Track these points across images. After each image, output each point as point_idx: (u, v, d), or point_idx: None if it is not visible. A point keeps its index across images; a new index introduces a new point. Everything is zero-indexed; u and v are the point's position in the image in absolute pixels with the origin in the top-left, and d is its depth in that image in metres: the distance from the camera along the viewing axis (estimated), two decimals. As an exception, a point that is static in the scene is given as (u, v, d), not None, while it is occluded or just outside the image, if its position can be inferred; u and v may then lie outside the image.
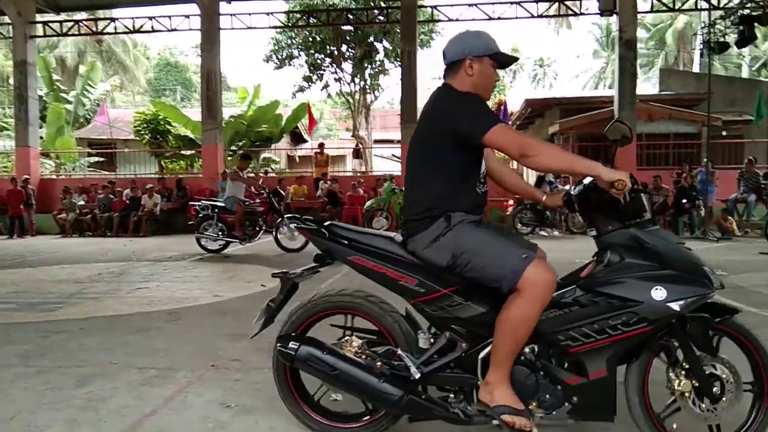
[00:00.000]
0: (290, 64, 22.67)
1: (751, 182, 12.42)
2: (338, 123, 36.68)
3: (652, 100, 16.22)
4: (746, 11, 13.28)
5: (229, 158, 17.43)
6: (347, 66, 22.74)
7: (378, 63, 22.59)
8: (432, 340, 2.33)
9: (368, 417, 2.47)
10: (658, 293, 2.06)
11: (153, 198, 13.88)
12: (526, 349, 2.20)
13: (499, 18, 15.20)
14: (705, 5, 14.79)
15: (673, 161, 14.79)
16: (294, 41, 22.01)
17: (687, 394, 2.16)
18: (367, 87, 23.45)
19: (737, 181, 12.64)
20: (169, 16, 16.12)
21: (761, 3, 13.09)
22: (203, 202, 9.76)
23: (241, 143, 18.72)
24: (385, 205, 12.45)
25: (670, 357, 2.21)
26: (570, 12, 15.80)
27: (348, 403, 2.58)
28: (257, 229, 9.48)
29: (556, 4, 15.24)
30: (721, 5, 14.78)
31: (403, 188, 2.46)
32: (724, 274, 6.68)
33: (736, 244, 10.50)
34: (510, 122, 20.48)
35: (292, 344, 2.34)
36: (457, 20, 15.57)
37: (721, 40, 13.92)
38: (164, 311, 5.08)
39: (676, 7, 15.88)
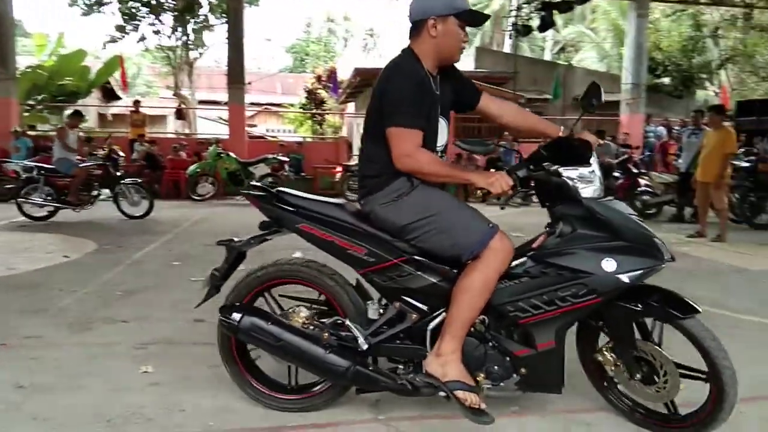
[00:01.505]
0: (100, 11, 20.32)
1: (547, 154, 14.04)
2: (158, 80, 33.96)
3: (468, 76, 17.40)
4: (547, -1, 14.77)
5: (26, 114, 15.31)
6: (167, 18, 21.02)
7: (202, 17, 21.20)
8: (381, 311, 2.29)
9: (317, 388, 2.41)
10: (609, 264, 2.04)
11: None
12: (476, 321, 2.17)
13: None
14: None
15: (485, 134, 16.12)
16: (104, -15, 19.71)
17: (622, 371, 2.23)
18: (189, 42, 21.94)
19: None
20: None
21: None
22: (26, 163, 8.52)
23: (40, 97, 16.51)
24: (211, 170, 11.92)
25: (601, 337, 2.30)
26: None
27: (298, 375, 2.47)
28: (93, 194, 8.51)
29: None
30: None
31: (361, 145, 2.36)
32: (521, 236, 7.52)
33: (533, 209, 11.82)
34: (340, 90, 20.68)
35: (235, 314, 2.24)
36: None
37: (526, 23, 15.38)
38: (-62, 289, 4.38)
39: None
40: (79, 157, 8.53)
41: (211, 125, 23.01)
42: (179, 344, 3.21)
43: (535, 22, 15.20)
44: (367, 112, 2.28)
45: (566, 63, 25.06)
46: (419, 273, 2.17)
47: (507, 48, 30.12)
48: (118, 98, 23.62)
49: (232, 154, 12.03)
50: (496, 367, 2.18)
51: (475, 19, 2.22)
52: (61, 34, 18.93)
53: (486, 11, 28.74)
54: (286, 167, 12.74)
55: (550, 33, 31.29)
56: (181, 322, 3.58)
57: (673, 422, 2.24)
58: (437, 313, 2.20)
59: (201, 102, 25.29)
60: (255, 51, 63.12)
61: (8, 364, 2.86)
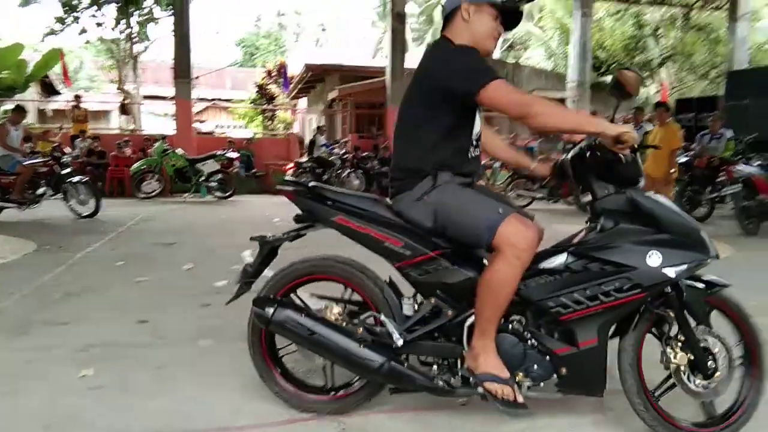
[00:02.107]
0: (38, 2, 19.47)
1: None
2: (102, 74, 32.75)
3: (420, 72, 17.53)
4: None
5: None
6: (110, 10, 20.28)
7: (146, 9, 20.57)
8: (416, 307, 2.24)
9: (349, 389, 2.35)
10: (654, 258, 2.00)
11: None
12: (515, 318, 2.13)
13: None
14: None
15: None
16: (41, -25, 18.88)
17: (682, 369, 2.10)
18: (133, 35, 21.25)
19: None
20: None
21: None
22: None
23: (-28, 92, 15.65)
24: (157, 167, 11.61)
25: (665, 329, 2.15)
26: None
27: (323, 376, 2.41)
28: (38, 192, 8.11)
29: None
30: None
31: (393, 146, 2.28)
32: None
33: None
34: (291, 85, 20.47)
35: (268, 307, 2.22)
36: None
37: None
38: None
39: (441, -13, 17.26)
40: (23, 154, 8.17)
41: (157, 121, 22.40)
42: (122, 346, 3.11)
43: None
44: (403, 101, 2.22)
45: (514, 61, 25.57)
46: (455, 267, 2.13)
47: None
48: (58, 93, 22.68)
49: (179, 150, 11.75)
50: (535, 366, 2.11)
51: (510, 14, 2.18)
52: (-6, 25, 17.98)
53: (436, 9, 28.88)
54: (236, 164, 12.54)
55: (499, 31, 31.85)
56: (125, 323, 3.48)
57: (711, 425, 2.18)
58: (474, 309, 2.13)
59: (146, 97, 24.53)
60: (204, 44, 61.63)
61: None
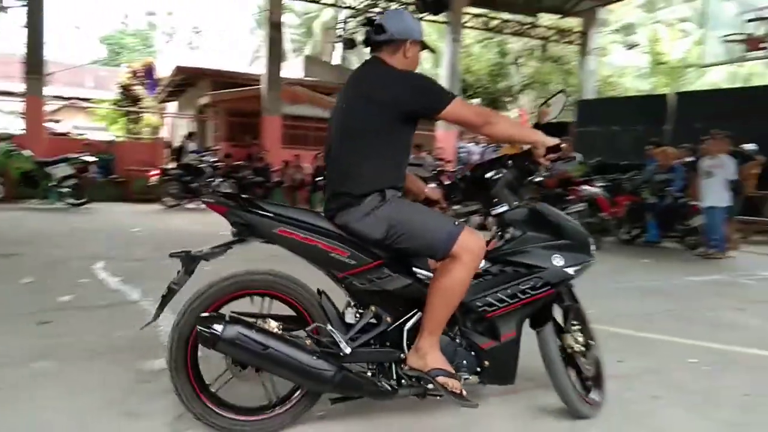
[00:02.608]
0: None
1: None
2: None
3: (297, 84, 17.46)
4: (371, 14, 15.44)
5: None
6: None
7: (-7, -4, 18.54)
8: (357, 316, 2.32)
9: (275, 408, 2.29)
10: (558, 260, 2.38)
11: None
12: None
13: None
14: (342, 4, 16.60)
15: (313, 142, 16.27)
16: None
17: (580, 352, 2.56)
18: (-24, 23, 19.06)
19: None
20: None
21: (382, 10, 15.36)
22: None
23: None
24: (1, 170, 10.44)
25: (566, 320, 2.59)
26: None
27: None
28: None
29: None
30: (355, 6, 16.80)
31: (328, 162, 2.37)
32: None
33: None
34: (158, 88, 19.44)
35: (216, 324, 2.04)
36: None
37: (352, 37, 15.90)
38: None
39: (319, 1, 17.42)
40: None
41: (3, 119, 20.18)
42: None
43: (360, 37, 15.77)
44: (344, 118, 2.31)
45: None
46: (396, 275, 2.25)
47: (336, 59, 30.84)
48: None
49: (26, 152, 10.65)
50: (464, 361, 2.36)
51: (427, 48, 2.47)
52: None
53: (316, 22, 29.17)
54: (93, 168, 11.62)
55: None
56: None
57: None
58: (411, 313, 2.32)
59: (-9, 92, 22.04)
60: (62, 39, 56.76)
61: None
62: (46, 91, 13.53)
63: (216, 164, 12.42)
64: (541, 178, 9.20)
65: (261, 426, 2.27)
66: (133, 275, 4.93)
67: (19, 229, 7.60)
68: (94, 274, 4.94)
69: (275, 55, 14.85)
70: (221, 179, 12.32)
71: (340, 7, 16.77)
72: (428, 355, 2.23)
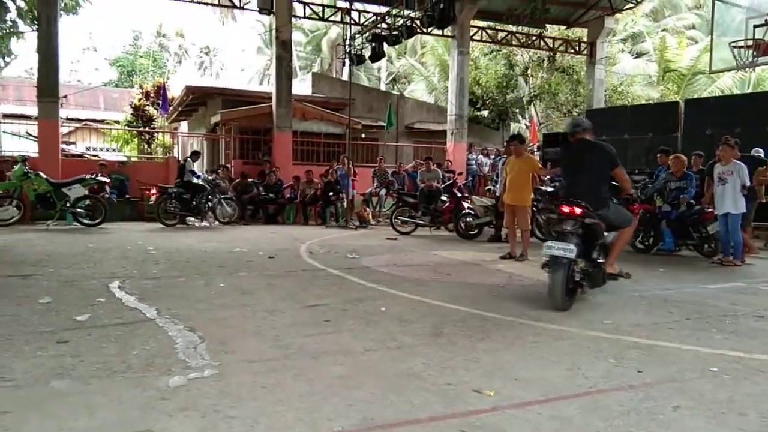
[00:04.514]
0: None
1: (382, 178, 14.65)
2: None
3: (306, 100, 17.62)
4: (378, 30, 15.57)
5: None
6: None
7: (9, 23, 18.98)
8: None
9: None
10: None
11: None
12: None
13: (157, -4, 14.39)
14: (348, 20, 16.75)
15: (323, 158, 16.37)
16: None
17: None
18: (-8, 49, 19.47)
19: (372, 177, 14.75)
20: None
21: (389, 25, 15.48)
22: None
23: None
24: (16, 192, 10.60)
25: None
26: (230, 4, 15.99)
27: None
28: None
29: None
30: (361, 22, 16.95)
31: (584, 186, 5.13)
32: (356, 257, 7.72)
33: (370, 231, 12.23)
34: (169, 107, 19.66)
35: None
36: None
37: (359, 53, 16.02)
38: None
39: (326, 17, 17.60)
40: None
41: (19, 142, 20.50)
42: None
43: (368, 52, 15.91)
44: (588, 163, 5.21)
45: (398, 93, 26.47)
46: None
47: (344, 75, 31.07)
48: None
49: (42, 174, 10.81)
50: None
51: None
52: None
53: (324, 39, 29.52)
54: (107, 189, 11.76)
55: (384, 64, 32.95)
56: (-36, 366, 3.09)
57: None
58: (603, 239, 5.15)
59: (5, 115, 22.44)
60: (75, 62, 57.73)
61: None
62: (61, 113, 13.74)
63: (216, 182, 12.44)
64: (554, 189, 9.24)
65: None
66: (149, 293, 4.97)
67: (36, 250, 7.68)
68: (110, 293, 4.98)
69: (284, 72, 15.01)
70: (225, 197, 12.37)
71: (347, 24, 16.92)
72: (611, 265, 5.33)
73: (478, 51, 22.55)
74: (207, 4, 15.91)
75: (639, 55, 26.18)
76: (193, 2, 15.14)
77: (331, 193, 13.21)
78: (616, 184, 5.34)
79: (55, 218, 10.77)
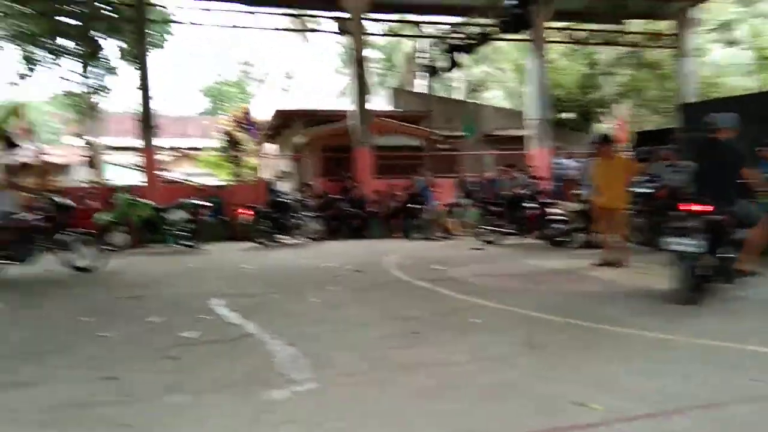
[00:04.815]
0: (-4, 57, 19.36)
1: (464, 188, 14.53)
2: (65, 127, 32.41)
3: (385, 115, 17.86)
4: (452, 41, 15.56)
5: None
6: (72, 63, 20.25)
7: (110, 62, 20.62)
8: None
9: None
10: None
11: None
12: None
13: (241, 27, 15.18)
14: (422, 33, 16.88)
15: (403, 171, 16.48)
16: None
17: None
18: (96, 88, 21.19)
19: (454, 188, 14.67)
20: None
21: (464, 34, 15.44)
22: None
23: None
24: (123, 219, 11.42)
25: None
26: (309, 29, 16.56)
27: None
28: (36, 247, 7.81)
29: (298, 19, 15.84)
30: (434, 34, 17.00)
31: (713, 185, 5.20)
32: (443, 268, 7.69)
33: (454, 242, 12.15)
34: (257, 130, 20.57)
35: None
36: (193, 24, 15.14)
37: (434, 64, 16.06)
38: None
39: (401, 33, 17.82)
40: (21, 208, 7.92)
41: (122, 172, 22.13)
42: (88, 406, 3.01)
43: (442, 63, 15.92)
44: (719, 163, 5.25)
45: (476, 101, 26.24)
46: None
47: (421, 88, 31.21)
48: (19, 146, 22.28)
49: (145, 200, 11.60)
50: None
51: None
52: (-49, 81, 17.77)
53: (398, 53, 29.76)
54: (204, 211, 12.42)
55: (460, 73, 32.80)
56: (90, 381, 3.37)
57: None
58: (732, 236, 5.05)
59: (111, 148, 24.31)
60: (169, 94, 61.79)
61: None
62: (158, 143, 14.71)
63: (302, 200, 12.84)
64: (653, 190, 8.78)
65: None
66: (249, 310, 5.20)
67: (144, 272, 8.26)
68: (213, 310, 5.25)
69: (362, 90, 15.30)
70: (311, 214, 12.73)
71: (422, 36, 17.06)
72: (747, 263, 5.11)
73: (557, 52, 21.98)
74: (288, 30, 16.55)
75: (731, 44, 24.48)
76: (276, 29, 15.79)
77: (413, 206, 13.27)
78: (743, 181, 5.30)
79: (159, 241, 11.51)
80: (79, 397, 3.13)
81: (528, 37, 16.69)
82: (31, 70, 19.63)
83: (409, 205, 13.31)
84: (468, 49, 14.87)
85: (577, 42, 19.64)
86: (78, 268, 7.98)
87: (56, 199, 8.72)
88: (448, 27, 17.00)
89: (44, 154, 13.84)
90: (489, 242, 11.03)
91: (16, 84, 19.38)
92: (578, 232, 10.14)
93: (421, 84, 31.42)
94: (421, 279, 6.79)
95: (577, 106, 21.11)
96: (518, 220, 10.96)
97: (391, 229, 13.74)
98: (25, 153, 17.87)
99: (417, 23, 16.97)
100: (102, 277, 7.80)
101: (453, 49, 15.10)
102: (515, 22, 12.23)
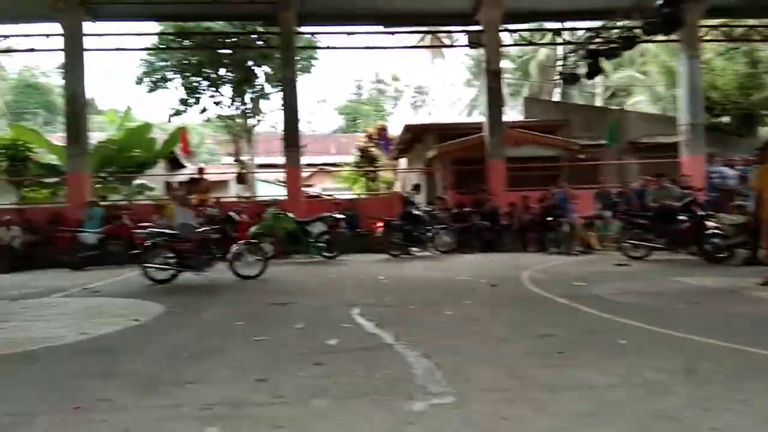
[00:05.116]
0: (164, 87, 21.82)
1: (606, 200, 13.72)
2: (220, 147, 35.68)
3: (519, 126, 17.46)
4: (593, 46, 14.83)
5: (98, 185, 16.30)
6: (227, 90, 22.31)
7: (258, 87, 22.39)
8: None
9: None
10: None
11: (11, 230, 12.62)
12: None
13: (376, 47, 15.71)
14: (560, 40, 16.30)
15: (538, 182, 15.96)
16: (168, 63, 21.24)
17: None
18: (247, 111, 23.11)
19: (595, 200, 13.91)
20: (28, 35, 14.91)
21: (605, 39, 14.65)
22: (151, 229, 9.12)
23: (111, 169, 17.59)
24: (270, 231, 12.26)
25: None
26: (442, 44, 16.71)
27: None
28: (212, 257, 8.88)
29: (430, 35, 16.06)
30: (573, 40, 16.35)
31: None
32: (584, 285, 7.31)
33: (595, 257, 11.50)
34: (391, 147, 21.10)
35: None
36: (335, 48, 15.89)
37: (573, 72, 15.39)
38: (19, 353, 4.63)
39: (536, 41, 17.37)
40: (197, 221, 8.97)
41: (269, 187, 23.82)
42: (243, 405, 3.24)
43: (583, 70, 15.24)
44: None
45: (619, 108, 24.76)
46: None
47: (556, 96, 30.15)
48: (183, 167, 24.87)
49: (290, 214, 12.37)
50: None
51: None
52: (127, 109, 20.31)
53: (532, 62, 29.17)
54: (342, 224, 12.95)
55: (599, 79, 31.22)
56: (244, 382, 3.63)
57: None
58: None
59: (260, 166, 26.32)
60: (309, 114, 65.65)
61: (81, 428, 2.96)
62: (300, 160, 15.62)
63: (434, 213, 12.92)
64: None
65: None
66: (386, 320, 5.31)
67: (289, 281, 8.79)
68: (352, 319, 5.44)
69: (495, 101, 15.11)
70: (442, 227, 12.77)
71: (559, 44, 16.49)
72: None
73: (711, 51, 20.08)
74: (420, 47, 16.85)
75: None
76: (412, 47, 16.15)
77: (550, 218, 12.78)
78: None
79: (301, 252, 12.22)
80: (234, 397, 3.38)
81: (677, 38, 15.47)
82: (195, 98, 21.91)
83: (546, 217, 12.84)
84: (611, 53, 14.09)
85: (734, 39, 17.80)
86: (243, 276, 8.76)
87: (231, 213, 9.76)
88: (585, 32, 16.28)
89: (204, 172, 15.24)
90: (635, 257, 10.29)
91: (182, 112, 21.71)
92: (740, 247, 9.15)
93: (556, 92, 30.41)
94: (562, 296, 6.50)
95: (736, 108, 19.09)
96: (668, 233, 10.11)
97: (525, 242, 13.34)
98: (188, 172, 19.92)
99: (555, 31, 16.43)
100: (253, 285, 8.43)
101: (594, 54, 14.39)
102: (665, 22, 11.35)
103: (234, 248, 8.92)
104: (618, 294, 6.59)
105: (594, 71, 14.67)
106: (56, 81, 39.86)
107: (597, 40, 15.13)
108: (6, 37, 15.44)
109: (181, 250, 8.61)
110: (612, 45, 14.00)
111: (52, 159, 17.64)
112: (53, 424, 2.98)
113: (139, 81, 21.65)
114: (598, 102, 33.84)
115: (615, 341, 4.34)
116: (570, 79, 15.54)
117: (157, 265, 8.57)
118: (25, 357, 4.52)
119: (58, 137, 18.16)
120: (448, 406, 3.04)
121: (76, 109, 14.17)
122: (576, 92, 33.46)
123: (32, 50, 15.14)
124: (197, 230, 8.75)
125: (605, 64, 15.47)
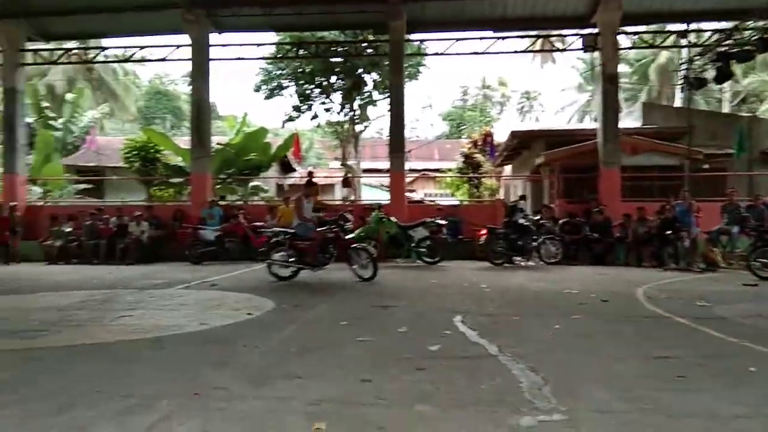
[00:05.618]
0: (280, 94, 22.94)
1: (733, 214, 12.60)
2: (327, 152, 36.92)
3: (635, 133, 16.51)
4: (723, 48, 13.71)
5: (218, 186, 17.42)
6: (336, 96, 23.05)
7: (366, 94, 22.91)
8: None
9: None
10: None
11: (140, 225, 13.82)
12: None
13: (484, 53, 15.53)
14: (684, 42, 15.24)
15: (656, 193, 15.00)
16: (284, 72, 22.31)
17: None
18: (355, 117, 23.73)
19: (720, 213, 12.82)
20: (160, 46, 16.30)
21: (737, 40, 13.51)
22: (275, 228, 9.93)
23: (230, 171, 18.76)
24: (374, 234, 12.48)
25: None
26: (554, 48, 16.19)
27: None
28: (329, 256, 9.38)
29: (541, 39, 15.62)
30: (700, 43, 15.23)
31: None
32: (707, 305, 6.76)
33: (719, 275, 10.62)
34: (496, 153, 20.73)
35: None
36: (443, 54, 15.89)
37: (700, 76, 14.32)
38: (148, 339, 5.04)
39: (657, 44, 16.36)
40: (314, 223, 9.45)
41: (374, 191, 24.29)
42: (349, 404, 3.31)
43: (710, 74, 14.15)
44: None
45: (750, 114, 22.72)
46: None
47: (678, 102, 28.21)
48: (294, 170, 26.00)
49: (393, 218, 12.53)
50: None
51: None
52: (244, 115, 21.60)
53: (653, 65, 27.60)
54: (444, 230, 12.91)
55: (727, 84, 28.85)
56: (350, 381, 3.71)
57: None
58: None
59: (365, 170, 26.92)
60: (413, 119, 66.23)
61: (200, 414, 3.15)
62: (405, 165, 15.77)
63: (541, 222, 12.54)
64: None
65: None
66: (488, 330, 5.22)
67: (390, 285, 8.88)
68: (454, 326, 5.40)
69: (611, 107, 14.40)
70: (549, 236, 12.35)
71: (683, 46, 15.40)
72: None
73: None
74: (533, 51, 16.44)
75: None
76: (519, 53, 15.81)
77: (669, 232, 11.95)
78: None
79: (403, 256, 12.33)
80: (340, 395, 3.46)
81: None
82: (308, 105, 22.86)
83: (665, 231, 12.02)
84: (745, 56, 12.97)
85: None
86: (359, 277, 9.06)
87: (344, 213, 10.20)
88: (713, 33, 15.11)
89: (313, 176, 15.84)
90: (765, 278, 9.38)
91: (294, 118, 22.73)
92: None
93: (677, 97, 28.43)
94: (682, 315, 6.05)
95: None
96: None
97: (640, 257, 12.57)
98: (297, 175, 20.81)
99: (680, 33, 15.36)
100: (357, 286, 8.62)
101: (726, 57, 13.30)
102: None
103: (351, 250, 9.24)
104: (746, 316, 6.03)
105: (724, 75, 13.57)
106: (183, 88, 43.33)
107: (727, 42, 14.00)
108: (141, 48, 16.98)
109: (301, 248, 9.04)
110: (747, 47, 12.88)
111: (178, 161, 19.13)
112: (175, 409, 3.21)
113: (257, 88, 22.91)
114: (725, 108, 31.27)
115: (743, 368, 3.97)
116: (696, 83, 14.47)
117: (281, 262, 9.03)
118: (152, 343, 4.91)
119: (183, 140, 19.64)
120: (558, 424, 2.92)
121: (201, 114, 15.28)
122: (700, 98, 31.14)
123: (163, 60, 16.50)
124: (316, 230, 9.13)
125: (737, 67, 14.24)
